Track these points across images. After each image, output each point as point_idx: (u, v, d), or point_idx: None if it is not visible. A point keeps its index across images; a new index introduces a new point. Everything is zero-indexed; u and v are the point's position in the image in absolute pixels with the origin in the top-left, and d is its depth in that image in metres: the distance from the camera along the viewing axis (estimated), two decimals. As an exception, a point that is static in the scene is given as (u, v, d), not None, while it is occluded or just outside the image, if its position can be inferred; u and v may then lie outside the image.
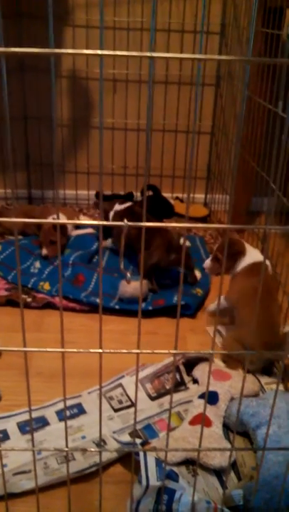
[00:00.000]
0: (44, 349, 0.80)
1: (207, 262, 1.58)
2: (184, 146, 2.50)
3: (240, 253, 1.53)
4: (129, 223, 0.72)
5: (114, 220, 1.98)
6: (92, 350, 0.79)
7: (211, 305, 1.64)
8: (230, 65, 2.26)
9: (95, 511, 1.01)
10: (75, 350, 0.80)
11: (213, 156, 2.50)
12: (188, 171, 2.54)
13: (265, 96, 1.80)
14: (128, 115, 2.43)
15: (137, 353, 0.80)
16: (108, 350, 0.80)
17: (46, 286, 1.76)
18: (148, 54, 0.63)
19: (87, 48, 2.25)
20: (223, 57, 0.63)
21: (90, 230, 2.15)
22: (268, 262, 1.52)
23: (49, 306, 1.70)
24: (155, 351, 0.81)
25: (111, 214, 2.01)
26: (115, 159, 2.50)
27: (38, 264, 1.88)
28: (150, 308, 1.66)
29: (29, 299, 1.70)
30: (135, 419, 0.84)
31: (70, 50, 0.63)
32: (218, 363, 1.42)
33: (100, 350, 0.79)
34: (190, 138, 2.48)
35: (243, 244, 1.55)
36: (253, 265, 1.51)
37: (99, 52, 0.62)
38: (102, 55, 0.62)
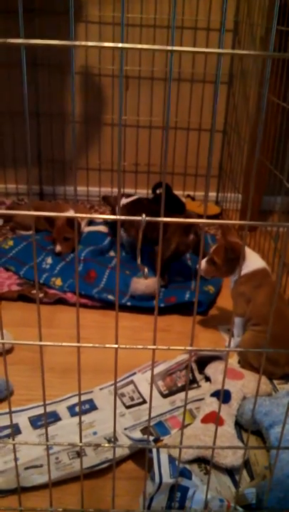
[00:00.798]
0: (60, 343, 0.80)
1: (202, 264, 1.49)
2: (195, 143, 2.49)
3: (239, 258, 1.44)
4: (147, 218, 0.71)
5: (121, 214, 1.97)
6: (108, 346, 0.79)
7: (221, 327, 1.61)
8: (243, 63, 2.25)
9: (107, 507, 1.01)
10: (90, 345, 0.79)
11: (225, 154, 2.49)
12: (207, 169, 2.54)
13: (279, 94, 1.79)
14: (140, 112, 2.42)
15: (153, 349, 0.80)
16: (124, 346, 0.79)
17: (58, 282, 1.76)
18: (169, 48, 0.62)
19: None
20: (246, 52, 0.63)
21: (101, 228, 2.14)
22: (268, 267, 1.48)
23: (61, 301, 1.70)
24: (171, 347, 0.81)
25: (117, 208, 2.00)
26: (127, 156, 2.50)
27: (49, 260, 1.89)
28: (162, 305, 1.66)
29: (41, 295, 1.70)
30: (150, 415, 0.83)
31: (90, 43, 0.62)
32: (231, 362, 1.41)
33: (116, 346, 0.79)
34: (202, 136, 2.47)
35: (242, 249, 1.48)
36: (255, 273, 1.44)
37: (120, 45, 0.62)
38: (123, 48, 0.62)
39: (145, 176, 2.53)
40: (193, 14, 2.25)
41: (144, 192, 2.50)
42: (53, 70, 2.31)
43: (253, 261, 1.46)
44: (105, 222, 2.18)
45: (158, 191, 2.25)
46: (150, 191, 2.51)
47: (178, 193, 2.48)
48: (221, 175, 2.55)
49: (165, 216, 0.70)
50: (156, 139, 2.47)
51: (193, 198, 2.54)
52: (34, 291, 1.72)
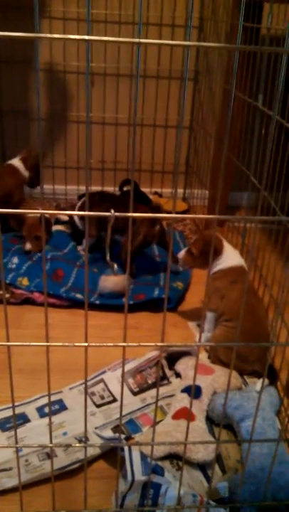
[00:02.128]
0: (28, 343, 0.79)
1: (182, 253, 1.54)
2: (162, 140, 2.49)
3: (218, 252, 1.47)
4: (116, 213, 0.70)
5: (81, 221, 1.95)
6: (77, 344, 0.78)
7: (190, 323, 1.62)
8: (208, 59, 2.26)
9: (79, 507, 0.99)
10: (60, 344, 0.78)
11: (191, 150, 2.50)
12: (174, 165, 2.53)
13: (245, 89, 1.80)
14: (106, 109, 2.40)
15: (123, 346, 0.79)
16: (94, 344, 0.78)
17: (25, 281, 1.73)
18: (137, 40, 0.62)
19: (64, 40, 2.22)
20: (215, 44, 0.62)
21: (62, 227, 2.12)
22: (246, 266, 1.49)
23: (28, 301, 1.68)
24: (141, 344, 0.80)
25: (75, 218, 1.98)
26: (93, 154, 2.48)
27: (15, 260, 1.85)
28: (131, 302, 1.65)
29: (8, 295, 1.67)
30: (121, 413, 0.82)
31: (56, 35, 0.61)
32: (201, 357, 1.42)
33: (86, 344, 0.78)
34: (168, 132, 2.47)
35: (221, 244, 1.49)
36: (231, 269, 1.45)
37: (86, 37, 0.61)
38: (89, 40, 0.61)
39: (112, 173, 2.52)
40: (158, 10, 2.24)
41: (110, 189, 2.48)
42: (16, 66, 2.27)
43: (230, 257, 1.47)
44: (66, 222, 2.14)
45: (125, 188, 2.24)
46: (117, 188, 2.50)
47: (145, 189, 2.48)
48: (188, 171, 2.56)
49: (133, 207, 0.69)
50: (123, 136, 2.46)
51: (160, 195, 2.54)
52: (0, 292, 1.69)
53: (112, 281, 1.66)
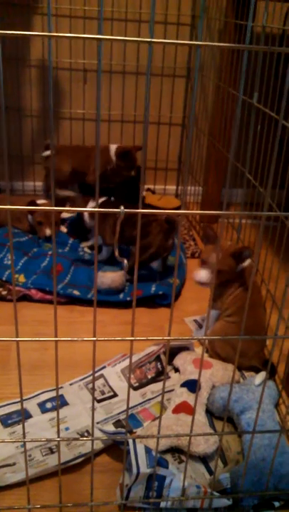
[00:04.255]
0: (36, 339, 0.79)
1: (205, 276, 1.38)
2: (155, 137, 2.50)
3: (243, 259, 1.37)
4: (126, 210, 0.72)
5: (91, 219, 1.94)
6: (86, 339, 0.79)
7: (187, 319, 1.63)
8: (200, 57, 2.27)
9: (85, 500, 1.01)
10: (69, 338, 0.79)
11: (184, 147, 2.51)
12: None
13: (238, 86, 1.82)
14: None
15: (131, 340, 0.80)
16: (102, 338, 0.80)
17: (21, 278, 1.74)
18: (147, 40, 0.63)
19: (61, 38, 2.23)
20: (224, 44, 0.64)
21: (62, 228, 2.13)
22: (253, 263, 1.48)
23: (25, 298, 1.68)
24: (149, 338, 0.81)
25: (86, 215, 1.98)
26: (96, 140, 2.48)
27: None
28: (128, 299, 1.66)
29: (4, 292, 1.68)
30: (128, 406, 0.84)
31: (68, 35, 0.62)
32: (198, 352, 1.43)
33: (94, 339, 0.79)
34: (161, 129, 2.48)
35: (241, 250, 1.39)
36: (244, 269, 1.40)
37: (98, 36, 0.62)
38: (101, 39, 0.62)
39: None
40: (150, 8, 2.25)
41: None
42: (8, 63, 2.27)
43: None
44: (63, 222, 2.14)
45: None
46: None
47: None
48: (181, 168, 2.57)
49: (144, 216, 0.70)
50: (116, 132, 2.47)
51: (153, 192, 2.55)
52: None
53: (109, 277, 1.67)
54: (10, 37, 2.25)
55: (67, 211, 2.10)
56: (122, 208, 0.70)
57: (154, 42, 0.61)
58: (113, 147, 2.21)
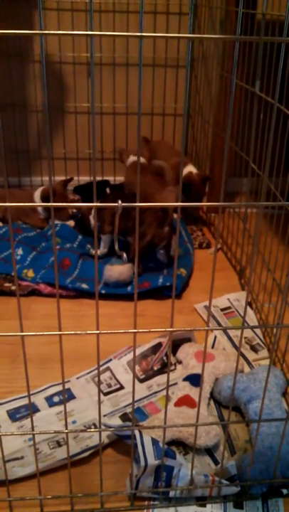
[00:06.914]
0: (41, 333, 0.81)
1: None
2: (160, 128, 2.49)
3: None
4: (123, 204, 0.72)
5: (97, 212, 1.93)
6: (89, 332, 0.80)
7: (197, 305, 1.66)
8: (203, 46, 2.26)
9: (95, 491, 1.02)
10: (72, 332, 0.80)
11: (189, 137, 2.51)
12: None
13: (242, 75, 1.81)
14: (103, 99, 2.41)
15: (134, 332, 0.81)
16: (105, 331, 0.81)
17: (30, 273, 1.75)
18: (138, 34, 0.63)
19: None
20: (214, 36, 0.64)
21: (70, 222, 2.13)
22: None
23: (34, 293, 1.70)
24: (151, 330, 0.82)
25: (91, 217, 1.98)
26: (92, 144, 2.49)
27: (20, 251, 1.87)
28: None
29: (14, 287, 1.69)
30: (133, 399, 0.85)
31: (60, 32, 0.62)
32: (199, 345, 1.43)
33: (97, 331, 0.80)
34: (166, 120, 2.48)
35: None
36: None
37: (89, 32, 0.62)
38: (91, 35, 0.62)
39: (111, 162, 2.53)
40: (152, -2, 2.24)
41: (111, 178, 2.49)
42: (12, 59, 2.28)
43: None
44: (72, 217, 2.15)
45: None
46: (118, 178, 2.51)
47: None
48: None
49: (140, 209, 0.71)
50: (121, 125, 2.47)
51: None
52: (6, 284, 1.71)
53: (117, 270, 1.68)
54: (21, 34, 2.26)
55: (67, 207, 2.12)
56: (120, 202, 0.71)
57: (144, 36, 0.61)
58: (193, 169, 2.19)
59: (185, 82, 0.61)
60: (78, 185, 2.15)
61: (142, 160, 2.16)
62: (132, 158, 2.17)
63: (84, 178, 2.49)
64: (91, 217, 1.97)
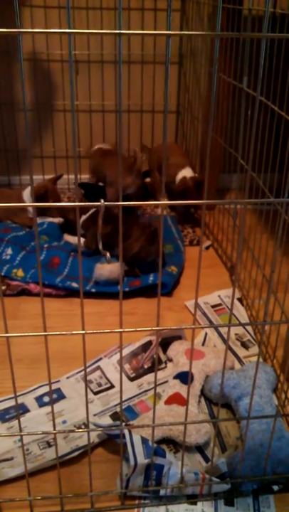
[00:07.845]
0: (26, 334, 0.80)
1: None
2: (150, 125, 2.49)
3: None
4: (106, 203, 0.72)
5: (85, 223, 1.92)
6: (74, 332, 0.79)
7: (187, 303, 1.66)
8: (192, 42, 2.25)
9: (85, 491, 1.02)
10: (57, 332, 0.80)
11: (179, 134, 2.50)
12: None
13: (229, 71, 1.80)
14: (92, 97, 2.40)
15: (120, 332, 0.81)
16: (90, 331, 0.80)
17: (20, 273, 1.74)
18: (117, 31, 0.62)
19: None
20: (194, 33, 0.63)
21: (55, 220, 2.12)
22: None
23: (24, 293, 1.69)
24: (138, 329, 0.82)
25: (83, 218, 1.97)
26: (82, 142, 2.48)
27: (9, 251, 1.86)
28: (127, 289, 1.67)
29: (3, 287, 1.68)
30: (121, 398, 0.84)
31: (37, 30, 0.61)
32: (189, 343, 1.43)
33: (83, 332, 0.79)
34: (156, 117, 2.47)
35: None
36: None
37: (68, 30, 0.61)
38: (71, 33, 0.61)
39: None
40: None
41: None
42: (-1, 57, 2.26)
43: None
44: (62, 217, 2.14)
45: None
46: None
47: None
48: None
49: (126, 221, 0.70)
50: (110, 122, 2.46)
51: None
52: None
53: (107, 269, 1.67)
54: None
55: (47, 206, 2.11)
56: (102, 201, 0.70)
57: (123, 34, 0.61)
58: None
59: (165, 81, 0.60)
60: (83, 182, 2.25)
61: (107, 146, 2.33)
62: (97, 146, 2.32)
63: (74, 177, 2.48)
64: (83, 217, 1.96)
